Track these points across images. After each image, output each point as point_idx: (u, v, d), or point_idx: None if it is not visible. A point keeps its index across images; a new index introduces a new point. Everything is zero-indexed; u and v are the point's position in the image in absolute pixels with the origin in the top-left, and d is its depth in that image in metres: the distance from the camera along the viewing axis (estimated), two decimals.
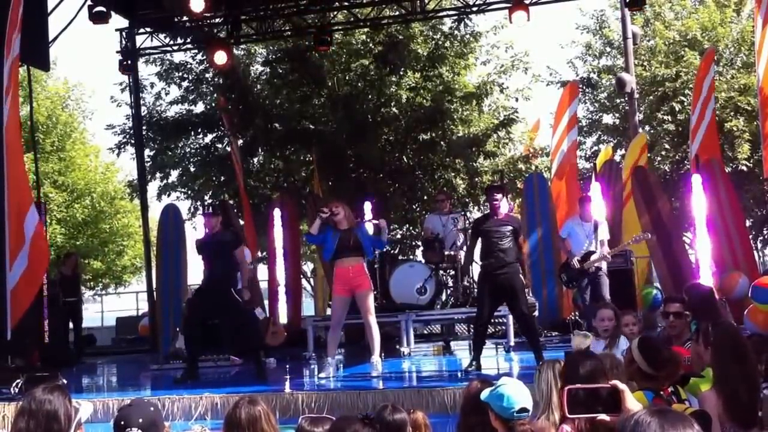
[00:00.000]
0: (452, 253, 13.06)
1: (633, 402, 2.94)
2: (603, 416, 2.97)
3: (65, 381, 9.69)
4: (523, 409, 4.12)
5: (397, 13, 18.19)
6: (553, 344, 12.25)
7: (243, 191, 17.47)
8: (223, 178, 20.28)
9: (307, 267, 28.57)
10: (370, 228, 12.92)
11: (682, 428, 2.33)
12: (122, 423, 3.95)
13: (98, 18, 15.40)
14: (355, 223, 9.93)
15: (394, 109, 19.05)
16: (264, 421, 4.22)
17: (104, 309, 25.75)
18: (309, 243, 10.49)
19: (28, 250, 10.12)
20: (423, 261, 13.07)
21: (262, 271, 15.19)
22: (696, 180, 13.09)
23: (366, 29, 18.93)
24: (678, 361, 4.86)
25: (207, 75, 20.76)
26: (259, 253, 17.61)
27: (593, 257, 11.17)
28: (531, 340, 9.94)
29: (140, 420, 3.94)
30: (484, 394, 4.24)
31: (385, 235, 10.22)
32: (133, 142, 19.27)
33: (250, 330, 10.42)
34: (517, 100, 20.72)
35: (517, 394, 4.14)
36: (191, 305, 11.53)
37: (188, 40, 18.35)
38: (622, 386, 2.96)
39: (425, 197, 19.84)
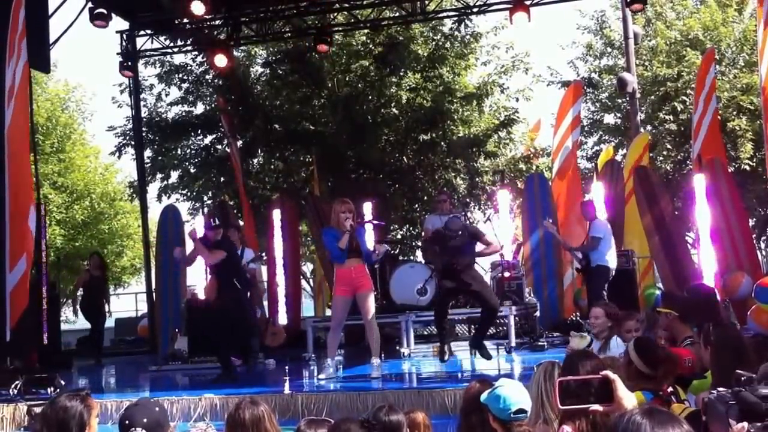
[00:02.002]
0: None
1: (625, 391, 2.91)
2: (595, 406, 2.92)
3: (63, 382, 9.66)
4: (521, 411, 4.09)
5: (398, 14, 18.15)
6: (554, 345, 12.18)
7: (242, 192, 17.43)
8: (222, 179, 20.24)
9: (307, 268, 28.53)
10: (369, 230, 12.92)
11: (672, 428, 2.32)
12: (127, 423, 3.97)
13: (99, 20, 15.40)
14: (355, 226, 9.83)
15: (394, 109, 19.02)
16: (267, 422, 4.29)
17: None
18: (337, 256, 10.40)
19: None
20: (423, 262, 13.00)
21: (262, 272, 15.13)
22: (698, 180, 13.04)
23: (366, 30, 18.89)
24: (675, 361, 4.83)
25: (207, 76, 20.71)
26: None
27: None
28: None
29: (145, 420, 3.96)
30: (483, 396, 4.21)
31: (376, 257, 10.19)
32: (133, 143, 19.23)
33: (238, 332, 10.26)
34: (517, 100, 20.74)
35: (515, 396, 4.11)
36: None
37: (188, 42, 18.30)
38: (613, 376, 2.92)
39: (425, 197, 19.81)
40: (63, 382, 9.67)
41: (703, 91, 14.40)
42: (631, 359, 4.68)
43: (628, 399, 2.89)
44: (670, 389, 4.67)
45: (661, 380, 4.62)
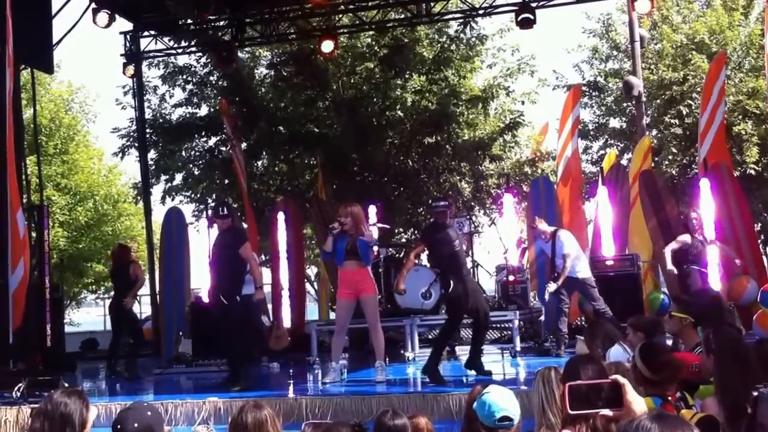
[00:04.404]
0: None
1: (634, 396, 2.88)
2: (605, 411, 2.90)
3: (66, 384, 9.61)
4: (505, 418, 4.05)
5: (403, 16, 18.09)
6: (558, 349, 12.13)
7: (245, 195, 17.35)
8: (227, 182, 20.20)
9: (311, 271, 28.48)
10: (375, 232, 12.83)
11: None
12: (119, 427, 3.98)
13: (102, 20, 15.37)
14: (359, 230, 9.73)
15: (399, 112, 18.98)
16: (270, 425, 4.28)
17: (106, 313, 25.58)
18: (325, 259, 10.47)
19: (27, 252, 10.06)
20: (428, 265, 12.95)
21: (266, 275, 15.08)
22: (704, 184, 12.99)
23: (371, 32, 18.84)
24: (677, 366, 4.82)
25: (211, 78, 20.68)
26: (262, 257, 17.51)
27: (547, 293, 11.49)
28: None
29: (135, 425, 3.97)
30: (474, 403, 4.20)
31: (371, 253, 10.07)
32: (136, 145, 19.19)
33: (236, 339, 10.10)
34: (523, 103, 20.62)
35: (501, 402, 4.08)
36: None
37: (192, 43, 18.26)
38: (622, 380, 2.90)
39: (430, 201, 19.73)
40: (66, 385, 9.62)
41: (711, 95, 14.33)
42: (636, 364, 4.72)
43: (638, 404, 2.86)
44: (678, 394, 4.68)
45: (665, 385, 4.61)
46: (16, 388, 9.18)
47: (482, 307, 9.84)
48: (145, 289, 22.34)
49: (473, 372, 9.67)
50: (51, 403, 3.97)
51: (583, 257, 11.68)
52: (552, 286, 11.32)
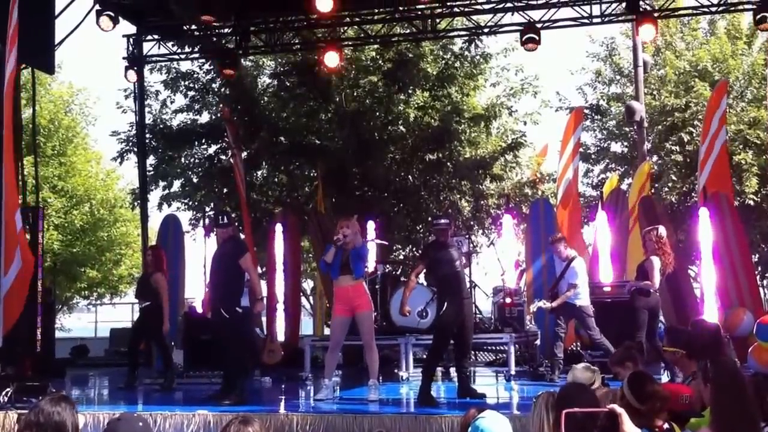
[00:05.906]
0: None
1: (630, 426, 2.84)
2: None
3: (54, 391, 9.51)
4: None
5: (408, 31, 18.07)
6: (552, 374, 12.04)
7: (244, 205, 17.26)
8: (225, 190, 20.10)
9: (307, 285, 28.37)
10: (372, 247, 12.76)
11: None
12: None
13: (105, 22, 15.30)
14: (354, 243, 9.66)
15: (401, 127, 18.92)
16: None
17: (98, 319, 25.55)
18: (323, 271, 10.43)
19: (19, 254, 9.94)
20: (425, 284, 12.86)
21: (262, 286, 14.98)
22: (703, 213, 12.93)
23: (376, 46, 18.81)
24: (664, 397, 4.81)
25: (213, 85, 20.61)
26: (259, 269, 17.38)
27: (534, 306, 11.49)
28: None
29: None
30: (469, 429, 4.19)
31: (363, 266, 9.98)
32: (135, 149, 19.09)
33: (234, 351, 9.98)
34: (525, 123, 20.63)
35: (495, 428, 4.08)
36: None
37: (196, 50, 18.19)
38: (619, 410, 2.86)
39: (429, 218, 19.69)
40: (54, 391, 9.51)
41: (712, 123, 14.33)
42: (624, 394, 4.70)
43: None
44: (666, 426, 4.64)
45: (651, 416, 4.57)
46: (3, 393, 9.11)
47: (467, 335, 9.72)
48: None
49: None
50: (43, 414, 3.92)
51: (585, 286, 11.58)
52: (545, 304, 11.25)
